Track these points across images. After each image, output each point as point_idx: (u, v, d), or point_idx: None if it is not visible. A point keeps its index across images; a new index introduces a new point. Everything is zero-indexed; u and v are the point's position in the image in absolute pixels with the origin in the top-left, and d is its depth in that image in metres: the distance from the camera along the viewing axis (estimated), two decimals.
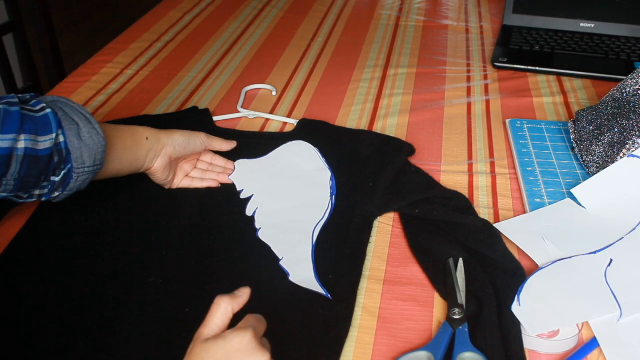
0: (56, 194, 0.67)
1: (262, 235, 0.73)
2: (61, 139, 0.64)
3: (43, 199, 0.67)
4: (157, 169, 0.76)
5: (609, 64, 1.13)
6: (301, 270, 0.68)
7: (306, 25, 1.36)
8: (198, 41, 1.26)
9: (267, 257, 0.70)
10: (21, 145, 0.60)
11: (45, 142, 0.62)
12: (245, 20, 1.37)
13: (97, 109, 1.01)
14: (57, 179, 0.65)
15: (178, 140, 0.77)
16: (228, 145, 0.84)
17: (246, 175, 0.82)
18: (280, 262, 0.69)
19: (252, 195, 0.79)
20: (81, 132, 0.65)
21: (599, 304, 0.62)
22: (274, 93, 1.06)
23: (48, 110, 0.63)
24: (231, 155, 0.84)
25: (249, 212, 0.76)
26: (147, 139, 0.74)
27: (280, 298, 0.65)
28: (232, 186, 0.81)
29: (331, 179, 0.81)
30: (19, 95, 0.66)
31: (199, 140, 0.79)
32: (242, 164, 0.85)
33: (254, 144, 0.88)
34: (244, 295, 0.51)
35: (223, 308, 0.50)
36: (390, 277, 0.68)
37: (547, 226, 0.72)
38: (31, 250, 0.70)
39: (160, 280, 0.66)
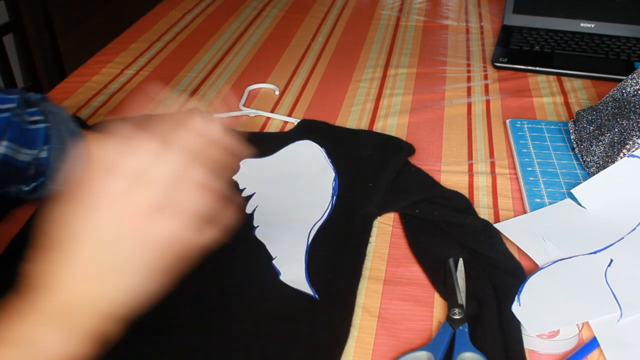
0: (24, 195, 0.66)
1: (258, 233, 0.73)
2: (44, 154, 0.63)
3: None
4: None
5: (609, 64, 1.13)
6: (292, 270, 0.67)
7: (306, 25, 1.36)
8: (198, 41, 1.26)
9: (261, 256, 0.70)
10: (1, 150, 0.60)
11: (26, 155, 0.62)
12: (245, 20, 1.37)
13: (97, 109, 1.01)
14: (26, 188, 0.65)
15: None
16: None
17: (250, 174, 0.82)
18: (273, 261, 0.69)
19: (254, 193, 0.79)
20: (66, 152, 0.64)
21: (599, 304, 0.62)
22: (276, 92, 1.06)
23: (41, 125, 0.63)
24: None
25: (248, 209, 0.76)
26: None
27: (278, 298, 0.64)
28: (234, 184, 0.81)
29: (334, 180, 0.81)
30: (30, 92, 0.65)
31: None
32: (247, 162, 0.85)
33: (253, 145, 0.88)
34: None
35: None
36: (390, 277, 0.68)
37: (547, 226, 0.72)
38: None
39: None
